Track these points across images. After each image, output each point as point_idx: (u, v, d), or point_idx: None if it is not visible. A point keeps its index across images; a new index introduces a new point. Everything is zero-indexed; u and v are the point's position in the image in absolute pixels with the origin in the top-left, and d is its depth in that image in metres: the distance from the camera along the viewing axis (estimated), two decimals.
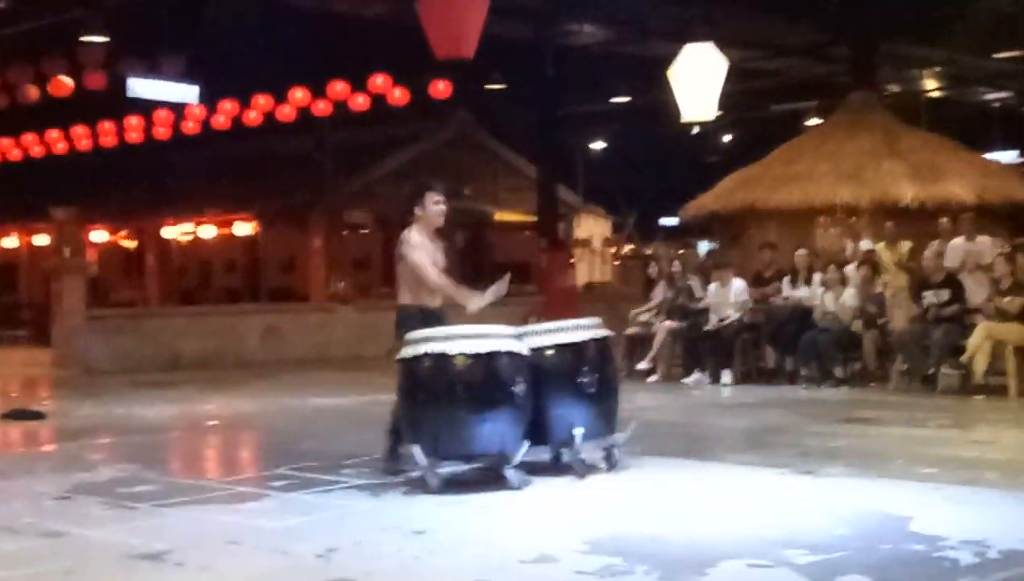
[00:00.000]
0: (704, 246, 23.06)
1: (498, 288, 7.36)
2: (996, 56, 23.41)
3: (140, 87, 19.63)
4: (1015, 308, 11.36)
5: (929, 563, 5.01)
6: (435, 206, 7.43)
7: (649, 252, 28.49)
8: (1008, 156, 26.32)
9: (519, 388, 6.75)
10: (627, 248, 32.79)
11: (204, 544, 5.55)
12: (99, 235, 27.24)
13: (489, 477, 6.89)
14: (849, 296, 12.57)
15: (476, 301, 7.27)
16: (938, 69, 24.88)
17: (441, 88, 20.38)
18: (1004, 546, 5.23)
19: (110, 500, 6.69)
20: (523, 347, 6.94)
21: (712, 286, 13.51)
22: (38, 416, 10.99)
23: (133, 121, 22.33)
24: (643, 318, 14.38)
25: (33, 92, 20.04)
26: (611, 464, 7.37)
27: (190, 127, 21.98)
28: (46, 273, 18.51)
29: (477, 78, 21.94)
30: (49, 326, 17.64)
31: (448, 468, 6.86)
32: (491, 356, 6.69)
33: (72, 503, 6.69)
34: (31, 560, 5.33)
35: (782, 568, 4.93)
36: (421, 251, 7.26)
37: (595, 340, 7.30)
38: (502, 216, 27.75)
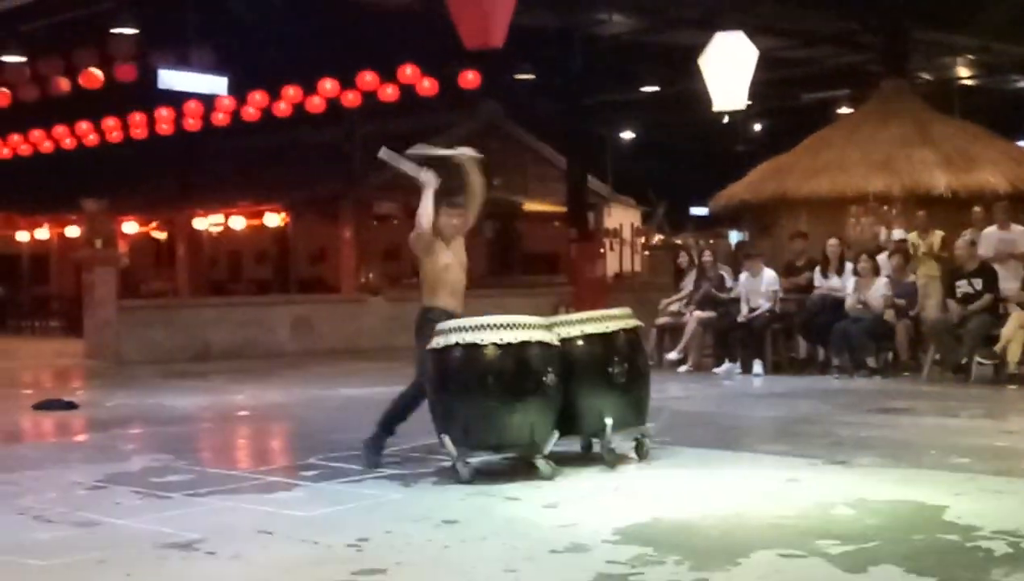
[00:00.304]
0: (735, 236, 23.00)
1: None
2: None
3: (170, 79, 19.69)
4: None
5: (962, 553, 4.98)
6: (446, 219, 7.43)
7: (679, 242, 28.45)
8: None
9: (549, 378, 6.74)
10: (657, 238, 32.75)
11: (235, 534, 5.57)
12: (130, 226, 27.42)
13: (519, 467, 6.89)
14: (881, 286, 12.49)
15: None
16: (970, 56, 24.61)
17: (470, 78, 20.34)
18: None
19: (142, 490, 6.73)
20: (553, 337, 6.93)
21: (743, 276, 13.44)
22: (70, 406, 11.06)
23: (163, 113, 22.41)
24: (673, 308, 14.33)
25: (64, 84, 20.14)
26: (641, 454, 7.36)
27: (220, 118, 22.03)
28: (78, 264, 18.64)
29: (506, 68, 21.89)
30: (81, 317, 17.76)
31: (478, 458, 6.85)
32: (522, 346, 6.69)
33: (105, 492, 6.73)
34: (65, 549, 5.36)
35: (814, 558, 4.91)
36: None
37: (625, 330, 7.29)
38: (531, 206, 27.74)
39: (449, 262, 7.40)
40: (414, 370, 7.39)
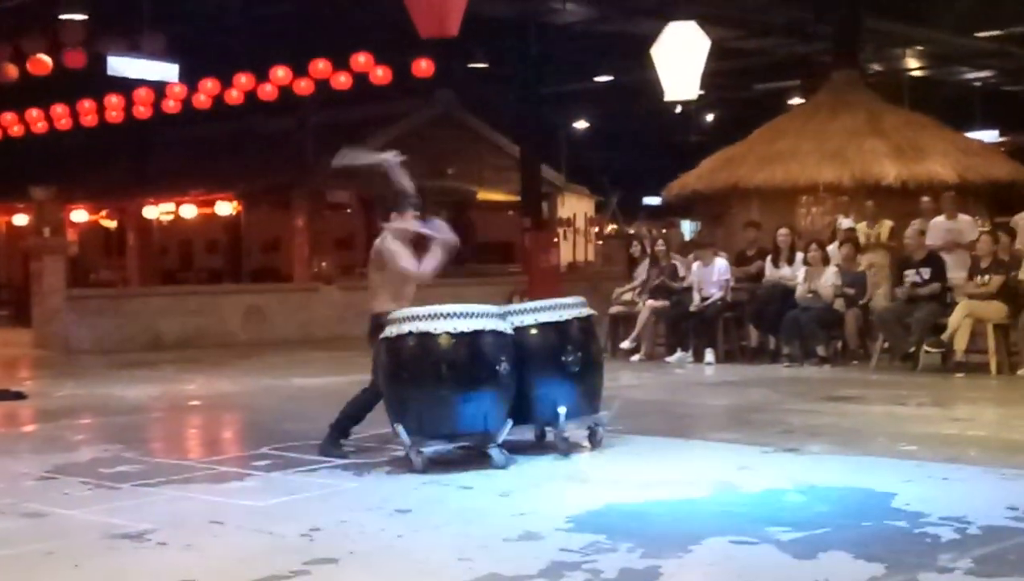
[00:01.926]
0: (687, 225, 23.13)
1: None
2: (978, 35, 23.45)
3: (120, 65, 19.46)
4: (994, 287, 11.42)
5: (911, 539, 5.04)
6: (415, 221, 7.36)
7: (632, 231, 28.54)
8: (989, 135, 26.42)
9: (503, 367, 6.75)
10: (610, 227, 32.86)
11: (187, 524, 5.54)
12: (79, 215, 27.11)
13: (473, 456, 6.90)
14: (831, 275, 12.60)
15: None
16: (920, 48, 24.90)
17: (424, 67, 20.28)
18: (984, 522, 5.26)
19: (92, 480, 6.67)
20: (507, 326, 6.94)
21: (695, 265, 13.51)
22: (19, 396, 10.93)
23: (113, 100, 22.13)
24: (626, 297, 14.39)
25: (12, 71, 19.85)
26: (595, 442, 7.39)
27: (171, 106, 21.79)
28: (26, 253, 18.42)
29: (460, 57, 21.86)
30: (29, 306, 17.55)
31: (432, 447, 6.85)
32: (475, 335, 6.69)
33: (53, 483, 6.66)
34: (12, 540, 5.30)
35: (765, 545, 4.95)
36: (403, 257, 7.21)
37: (578, 319, 7.30)
38: (485, 195, 27.71)
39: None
40: (372, 374, 7.32)
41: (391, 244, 7.26)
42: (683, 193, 18.57)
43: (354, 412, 7.38)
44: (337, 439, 7.36)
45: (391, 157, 7.47)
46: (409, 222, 7.33)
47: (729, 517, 5.47)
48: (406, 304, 7.20)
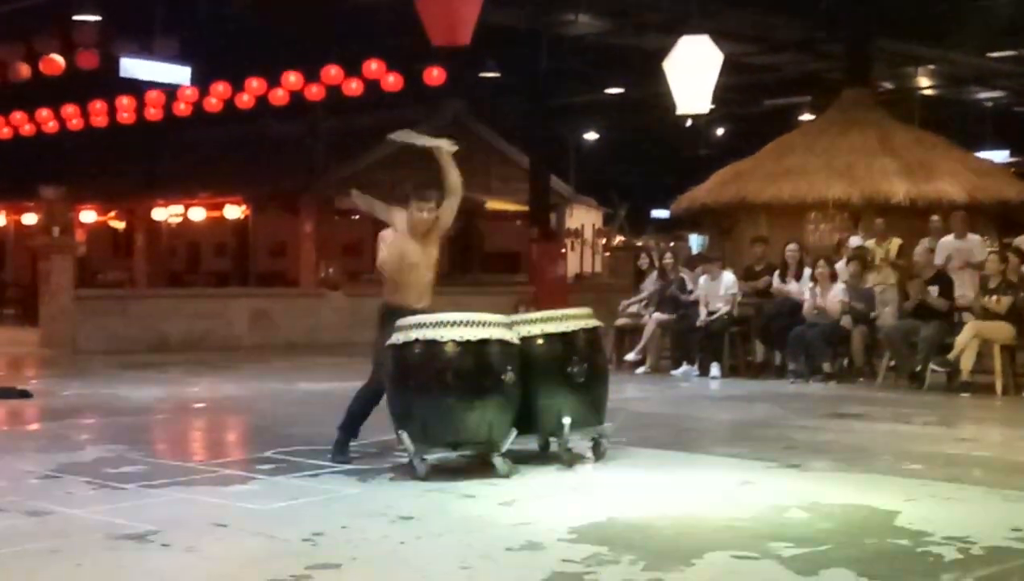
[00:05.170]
0: (695, 239, 23.13)
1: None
2: (990, 55, 23.46)
3: (133, 67, 19.54)
4: (1003, 307, 11.41)
5: (913, 558, 5.03)
6: (416, 212, 7.29)
7: (640, 244, 28.58)
8: (1000, 156, 26.40)
9: (508, 376, 6.74)
10: (618, 239, 32.90)
11: (190, 526, 5.54)
12: (88, 215, 27.17)
13: (476, 465, 6.90)
14: (838, 291, 12.59)
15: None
16: (932, 67, 24.92)
17: (435, 75, 20.33)
18: (987, 543, 5.25)
19: (96, 480, 6.68)
20: (513, 336, 6.94)
21: (702, 279, 13.51)
22: (24, 395, 10.95)
23: (125, 101, 22.21)
24: (633, 310, 14.39)
25: (24, 70, 19.92)
26: (598, 454, 7.39)
27: (182, 109, 21.87)
28: (34, 252, 18.45)
29: (471, 66, 21.91)
30: (36, 306, 17.58)
31: (436, 455, 6.85)
32: (481, 344, 6.69)
33: (58, 482, 6.68)
34: (16, 538, 5.31)
35: (767, 560, 4.94)
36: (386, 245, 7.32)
37: (585, 330, 7.31)
38: (494, 205, 27.77)
39: (416, 262, 7.30)
40: (372, 365, 7.38)
41: (385, 233, 7.36)
42: (692, 207, 18.56)
43: (359, 409, 7.42)
44: (347, 441, 7.41)
45: (446, 144, 7.41)
46: (421, 211, 7.32)
47: (731, 532, 5.47)
48: (413, 298, 7.25)
